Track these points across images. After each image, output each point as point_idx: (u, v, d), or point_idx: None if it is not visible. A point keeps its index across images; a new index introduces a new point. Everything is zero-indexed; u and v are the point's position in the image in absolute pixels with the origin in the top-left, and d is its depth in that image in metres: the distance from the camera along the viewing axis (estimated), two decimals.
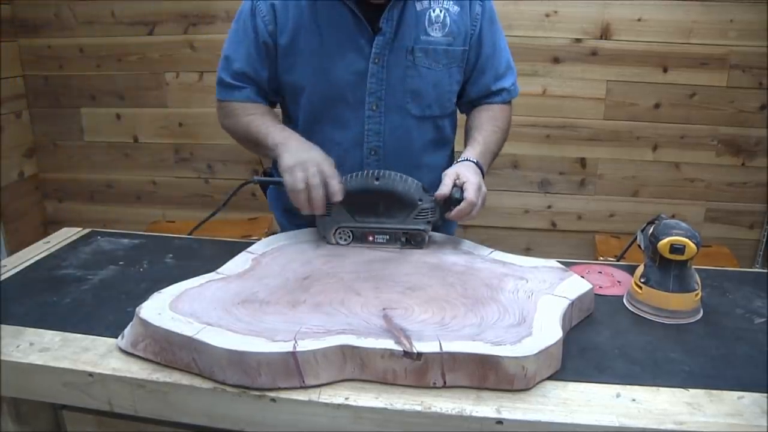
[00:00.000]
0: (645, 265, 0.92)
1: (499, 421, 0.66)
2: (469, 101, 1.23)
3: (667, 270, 0.88)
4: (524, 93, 2.35)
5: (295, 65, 1.12)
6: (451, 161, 1.29)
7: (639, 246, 0.99)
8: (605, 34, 2.29)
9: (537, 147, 2.44)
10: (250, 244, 1.06)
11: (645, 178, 2.43)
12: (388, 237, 1.04)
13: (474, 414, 0.67)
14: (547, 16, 2.29)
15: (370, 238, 1.04)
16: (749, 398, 0.69)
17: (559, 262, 0.99)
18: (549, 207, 2.52)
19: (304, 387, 0.70)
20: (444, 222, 1.07)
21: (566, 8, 2.27)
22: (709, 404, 0.68)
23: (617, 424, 0.66)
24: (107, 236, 1.19)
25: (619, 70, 2.32)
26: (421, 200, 1.02)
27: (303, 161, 0.99)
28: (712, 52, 2.25)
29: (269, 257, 0.99)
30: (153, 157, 2.60)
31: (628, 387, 0.72)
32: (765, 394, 0.70)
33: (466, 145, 1.17)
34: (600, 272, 1.05)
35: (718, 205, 2.44)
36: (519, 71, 2.49)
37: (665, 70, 2.30)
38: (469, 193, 0.99)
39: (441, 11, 1.11)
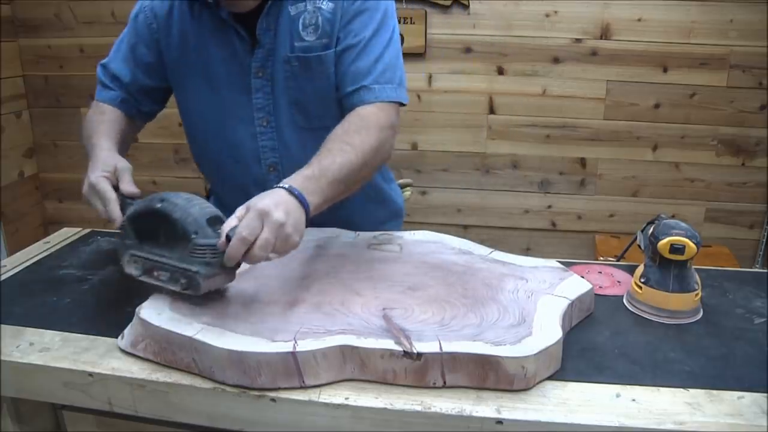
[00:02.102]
0: (645, 265, 0.92)
1: (499, 421, 0.66)
2: (342, 109, 1.04)
3: (667, 270, 0.88)
4: (524, 93, 2.38)
5: (184, 84, 1.09)
6: (368, 186, 1.12)
7: (639, 246, 0.99)
8: (605, 34, 2.29)
9: (537, 147, 2.44)
10: None
11: (645, 178, 2.44)
12: (169, 274, 0.80)
13: (474, 414, 0.67)
14: (547, 16, 2.29)
15: (155, 273, 0.82)
16: (749, 398, 0.69)
17: (559, 262, 0.99)
18: (549, 207, 2.52)
19: (304, 387, 0.70)
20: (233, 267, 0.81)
21: (566, 8, 2.27)
22: (709, 404, 0.68)
23: (617, 424, 0.66)
24: (107, 236, 1.19)
25: (619, 70, 2.32)
26: (196, 234, 0.77)
27: (88, 186, 0.90)
28: (712, 52, 2.26)
29: None
30: (153, 157, 2.60)
31: (628, 387, 0.72)
32: (765, 394, 0.70)
33: None
34: (600, 272, 1.05)
35: (718, 205, 2.44)
36: (519, 71, 2.48)
37: (665, 70, 2.30)
38: (239, 227, 0.74)
39: (314, 12, 1.01)
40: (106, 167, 0.92)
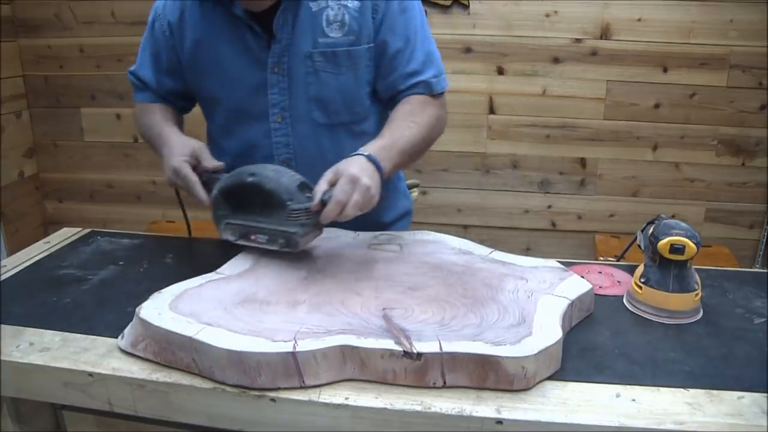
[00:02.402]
0: (645, 265, 0.92)
1: (499, 421, 0.66)
2: (384, 100, 1.13)
3: (667, 270, 0.88)
4: (524, 93, 2.38)
5: (199, 82, 1.11)
6: (393, 179, 1.22)
7: (639, 246, 0.99)
8: (605, 34, 2.29)
9: (537, 147, 2.44)
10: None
11: (645, 178, 2.43)
12: (267, 237, 0.95)
13: (474, 414, 0.67)
14: (547, 16, 2.29)
15: (252, 237, 0.96)
16: (749, 398, 0.69)
17: (559, 262, 0.99)
18: (549, 207, 2.52)
19: (304, 387, 0.70)
20: (376, 213, 0.95)
21: (566, 8, 2.27)
22: (709, 404, 0.68)
23: (617, 424, 0.66)
24: (107, 236, 1.19)
25: (619, 70, 2.32)
26: (291, 201, 0.91)
27: (168, 180, 1.00)
28: (712, 52, 2.26)
29: (269, 257, 0.99)
30: (153, 157, 2.59)
31: (628, 387, 0.72)
32: (765, 394, 0.70)
33: None
34: (600, 272, 1.05)
35: (718, 205, 2.44)
36: (519, 71, 2.49)
37: (665, 70, 2.30)
38: (336, 190, 0.87)
39: (339, 9, 1.02)
40: (183, 151, 0.99)
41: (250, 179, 0.93)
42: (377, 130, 1.08)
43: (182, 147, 1.00)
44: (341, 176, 0.88)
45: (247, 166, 0.96)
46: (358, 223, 1.04)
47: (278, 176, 0.93)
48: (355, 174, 0.88)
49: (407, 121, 1.04)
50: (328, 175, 0.90)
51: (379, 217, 1.22)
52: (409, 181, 1.41)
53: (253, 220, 0.95)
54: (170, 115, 1.15)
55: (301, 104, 1.07)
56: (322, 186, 0.89)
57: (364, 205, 0.88)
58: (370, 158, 0.93)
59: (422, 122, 1.05)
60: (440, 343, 0.70)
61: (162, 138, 1.05)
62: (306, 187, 0.93)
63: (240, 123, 1.10)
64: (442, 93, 1.12)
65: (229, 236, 0.98)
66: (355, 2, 1.03)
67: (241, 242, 0.97)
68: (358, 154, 0.94)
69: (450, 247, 1.04)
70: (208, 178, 0.99)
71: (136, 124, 1.20)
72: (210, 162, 1.00)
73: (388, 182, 1.09)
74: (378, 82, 1.10)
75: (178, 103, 1.19)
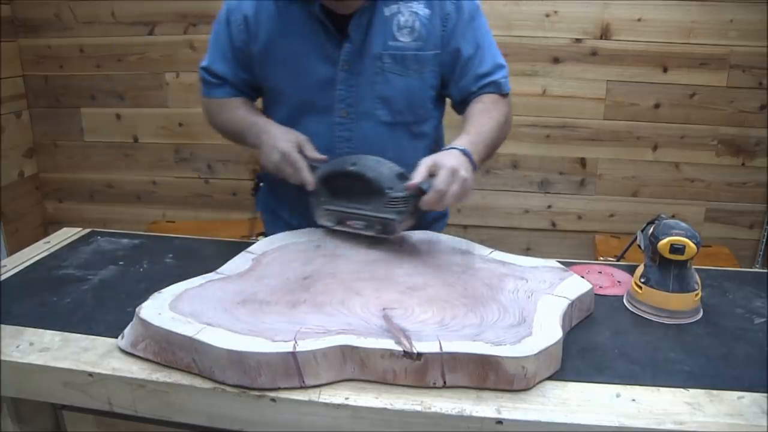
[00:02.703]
0: (645, 265, 0.92)
1: (499, 421, 0.67)
2: (456, 102, 1.20)
3: (667, 270, 0.88)
4: (524, 93, 2.38)
5: (268, 73, 1.14)
6: None
7: (639, 246, 0.99)
8: (605, 34, 2.29)
9: (537, 147, 2.44)
10: (250, 244, 1.06)
11: (645, 178, 2.43)
12: (365, 223, 1.02)
13: (474, 414, 0.67)
14: (547, 16, 2.29)
15: (349, 223, 1.03)
16: (749, 398, 0.69)
17: (559, 262, 0.99)
18: (549, 207, 2.52)
19: (304, 387, 0.70)
20: (421, 212, 1.01)
21: (566, 8, 2.27)
22: (709, 404, 0.68)
23: (617, 424, 0.66)
24: (107, 236, 1.19)
25: (619, 70, 2.32)
26: (391, 188, 0.98)
27: (274, 164, 1.04)
28: (712, 52, 2.25)
29: (269, 257, 0.99)
30: (153, 157, 2.60)
31: (628, 387, 0.72)
32: (765, 394, 0.70)
33: None
34: (600, 272, 1.05)
35: (718, 205, 2.44)
36: (519, 71, 2.48)
37: (665, 70, 2.30)
38: (437, 180, 0.93)
39: (410, 15, 1.09)
40: (289, 137, 1.06)
41: (351, 167, 1.00)
42: (435, 133, 1.22)
43: (286, 134, 1.07)
44: (441, 167, 0.94)
45: (348, 156, 1.04)
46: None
47: (379, 166, 1.00)
48: (455, 166, 0.94)
49: (485, 117, 1.12)
50: (426, 163, 0.96)
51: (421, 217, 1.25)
52: None
53: (352, 207, 1.02)
54: (254, 107, 1.20)
55: (366, 102, 1.12)
56: (421, 174, 0.95)
57: (462, 195, 0.94)
58: (465, 152, 1.01)
59: (497, 118, 1.13)
60: (440, 343, 0.70)
61: (258, 126, 1.10)
62: (404, 177, 0.99)
63: (304, 116, 1.14)
64: (508, 93, 1.19)
65: (326, 222, 1.05)
66: (426, 11, 1.10)
67: (338, 228, 1.04)
68: (453, 148, 1.02)
69: (450, 247, 1.04)
70: (309, 166, 1.05)
71: (213, 119, 1.22)
72: (312, 153, 1.06)
73: None
74: (451, 86, 1.17)
75: (252, 94, 1.22)
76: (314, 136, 1.12)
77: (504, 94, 1.17)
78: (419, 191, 0.95)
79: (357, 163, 1.01)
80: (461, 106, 1.18)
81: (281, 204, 1.25)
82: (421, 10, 1.09)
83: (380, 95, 1.11)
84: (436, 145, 1.23)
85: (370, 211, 1.01)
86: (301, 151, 1.05)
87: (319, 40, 1.08)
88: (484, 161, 1.11)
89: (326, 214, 1.05)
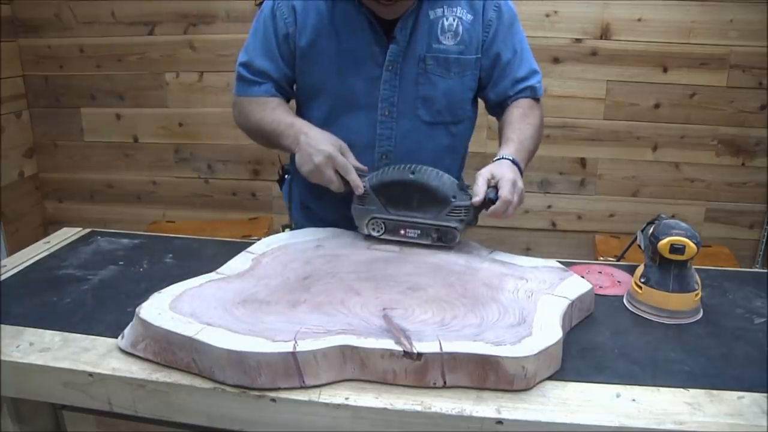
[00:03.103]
0: (645, 265, 0.92)
1: (499, 421, 0.66)
2: (492, 105, 1.24)
3: (667, 270, 0.88)
4: None
5: (312, 67, 1.14)
6: (462, 166, 1.31)
7: (639, 246, 0.99)
8: (605, 34, 2.29)
9: None
10: (250, 244, 1.06)
11: (645, 178, 2.43)
12: (419, 232, 1.03)
13: (474, 414, 0.67)
14: (547, 16, 2.29)
15: (402, 232, 1.04)
16: (749, 398, 0.69)
17: (559, 262, 0.99)
18: (549, 207, 2.52)
19: (304, 387, 0.70)
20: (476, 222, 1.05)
21: (566, 8, 2.27)
22: (709, 404, 0.68)
23: (617, 424, 0.66)
24: (107, 236, 1.19)
25: (619, 70, 2.32)
26: (455, 197, 1.01)
27: (315, 166, 1.01)
28: (712, 52, 2.25)
29: (269, 257, 0.99)
30: (153, 157, 2.60)
31: (628, 387, 0.72)
32: (765, 394, 0.70)
33: (500, 145, 1.15)
34: (600, 272, 1.05)
35: (718, 205, 2.44)
36: None
37: (665, 70, 2.30)
38: (504, 191, 0.98)
39: (454, 20, 1.12)
40: (332, 141, 1.05)
41: (412, 176, 1.01)
42: (470, 132, 1.27)
43: (329, 138, 1.06)
44: (502, 179, 0.99)
45: (401, 165, 1.03)
46: None
47: (439, 176, 1.02)
48: (514, 178, 1.00)
49: (525, 124, 1.17)
50: (485, 176, 1.02)
51: None
52: None
53: (407, 216, 1.03)
54: (290, 109, 1.18)
55: (408, 101, 1.14)
56: (483, 186, 1.00)
57: (520, 204, 1.01)
58: (515, 163, 1.07)
59: (536, 123, 1.19)
60: (440, 343, 0.70)
61: (296, 128, 1.08)
62: (463, 187, 1.03)
63: (346, 113, 1.15)
64: (541, 97, 1.25)
65: (372, 231, 1.05)
66: (469, 16, 1.13)
67: (385, 237, 1.04)
68: (505, 159, 1.07)
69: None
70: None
71: (246, 119, 1.18)
72: (353, 160, 1.06)
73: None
74: (489, 89, 1.20)
75: (290, 92, 1.21)
76: (355, 133, 1.14)
77: (538, 99, 1.23)
78: (485, 201, 0.99)
79: (416, 172, 1.02)
80: (497, 109, 1.24)
81: (312, 196, 1.25)
82: (465, 15, 1.12)
83: (422, 95, 1.14)
84: (462, 149, 1.28)
85: (430, 219, 1.02)
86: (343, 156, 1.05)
87: (366, 39, 1.10)
88: (527, 166, 1.16)
89: (374, 222, 1.05)
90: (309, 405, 0.69)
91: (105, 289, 0.96)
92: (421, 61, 1.12)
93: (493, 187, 1.00)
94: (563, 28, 2.30)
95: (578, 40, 2.30)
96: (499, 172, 1.01)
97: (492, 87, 1.20)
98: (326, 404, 0.69)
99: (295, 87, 1.22)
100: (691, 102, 2.32)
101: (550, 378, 0.73)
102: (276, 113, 1.14)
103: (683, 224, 0.88)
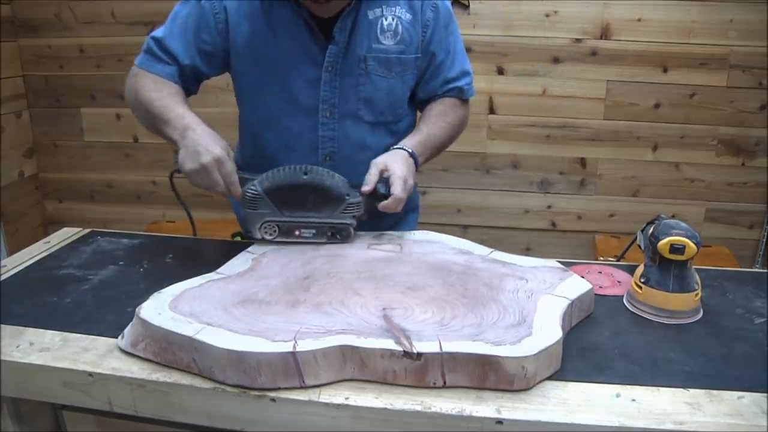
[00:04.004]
0: (645, 265, 0.92)
1: (499, 421, 0.67)
2: (419, 102, 1.25)
3: (667, 270, 0.88)
4: (524, 93, 2.38)
5: (249, 68, 1.13)
6: None
7: (639, 246, 0.99)
8: (605, 34, 2.29)
9: (537, 147, 2.44)
10: (250, 244, 1.06)
11: (645, 178, 2.43)
12: (314, 231, 1.04)
13: (474, 414, 0.67)
14: (547, 16, 2.29)
15: (297, 232, 1.04)
16: (749, 398, 0.69)
17: (559, 262, 0.99)
18: (549, 207, 2.52)
19: (304, 387, 0.70)
20: (369, 216, 1.06)
21: (566, 8, 2.27)
22: (709, 404, 0.68)
23: (617, 424, 0.66)
24: (107, 236, 1.19)
25: (619, 70, 2.32)
26: (348, 195, 1.03)
27: (201, 166, 0.95)
28: (712, 52, 2.25)
29: (269, 257, 0.99)
30: (153, 157, 2.61)
31: (628, 387, 0.72)
32: (765, 394, 0.70)
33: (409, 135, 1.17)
34: (600, 272, 1.05)
35: (718, 205, 2.44)
36: (519, 71, 2.49)
37: (665, 70, 2.30)
38: (396, 189, 1.00)
39: (393, 19, 1.11)
40: (223, 146, 0.99)
41: (305, 177, 1.01)
42: (410, 130, 1.24)
43: (218, 139, 1.00)
44: (394, 174, 1.02)
45: (294, 166, 1.02)
46: (380, 215, 1.12)
47: (332, 175, 1.03)
48: (406, 176, 1.04)
49: (441, 121, 1.20)
50: (378, 166, 1.04)
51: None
52: None
53: (302, 216, 1.03)
54: (187, 102, 1.11)
55: (350, 102, 1.14)
56: (375, 176, 1.03)
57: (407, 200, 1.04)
58: (413, 155, 1.10)
59: (452, 122, 1.22)
60: (440, 343, 0.70)
61: (185, 121, 1.01)
62: (353, 185, 1.05)
63: (287, 115, 1.14)
64: (469, 98, 1.27)
65: (265, 235, 1.04)
66: (408, 15, 1.13)
67: (279, 239, 1.04)
68: (403, 149, 1.10)
69: (450, 247, 1.04)
70: (238, 174, 1.02)
71: (138, 93, 1.09)
72: (233, 167, 1.01)
73: None
74: (420, 87, 1.21)
75: (193, 86, 1.18)
76: (298, 135, 1.14)
77: (466, 99, 1.25)
78: (377, 194, 1.03)
79: (309, 173, 1.02)
80: (422, 104, 1.25)
81: None
82: (404, 14, 1.12)
83: (364, 96, 1.14)
84: None
85: (323, 218, 1.04)
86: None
87: (304, 41, 1.09)
88: (428, 161, 1.20)
89: (267, 225, 1.03)
90: (309, 405, 0.69)
91: (105, 289, 0.96)
92: (362, 62, 1.11)
93: (385, 180, 1.03)
94: (563, 28, 2.30)
95: (578, 40, 2.30)
96: (393, 166, 1.04)
97: (423, 85, 1.21)
98: (326, 404, 0.69)
99: (236, 87, 1.20)
100: (691, 102, 2.32)
101: (550, 378, 0.73)
102: (170, 99, 1.06)
103: (683, 224, 0.88)
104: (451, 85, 1.21)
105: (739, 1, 2.18)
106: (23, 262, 1.06)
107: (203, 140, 0.97)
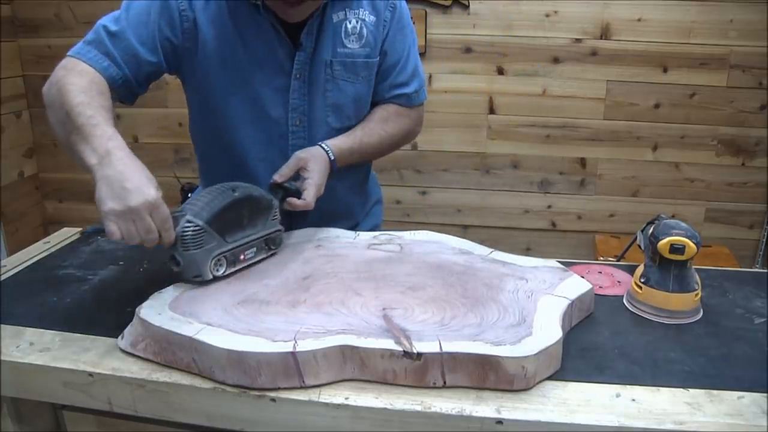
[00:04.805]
0: (645, 265, 0.92)
1: (499, 421, 0.66)
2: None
3: (667, 270, 0.88)
4: (524, 93, 2.38)
5: (218, 78, 1.07)
6: (371, 165, 1.31)
7: (639, 246, 0.99)
8: (605, 34, 2.29)
9: (537, 147, 2.44)
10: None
11: (645, 178, 2.44)
12: (255, 249, 0.94)
13: (474, 414, 0.67)
14: (547, 16, 2.29)
15: (241, 257, 0.92)
16: (749, 398, 0.69)
17: (559, 262, 0.99)
18: (549, 207, 2.52)
19: (304, 387, 0.70)
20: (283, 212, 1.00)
21: (566, 8, 2.27)
22: (709, 404, 0.68)
23: (617, 424, 0.66)
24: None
25: (619, 70, 2.32)
26: (273, 200, 0.98)
27: (128, 208, 0.77)
28: (712, 52, 2.26)
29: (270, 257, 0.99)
30: (153, 157, 2.60)
31: (628, 387, 0.72)
32: (765, 394, 0.70)
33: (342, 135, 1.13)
34: (600, 272, 1.05)
35: (718, 205, 2.44)
36: (519, 71, 2.49)
37: (665, 70, 2.30)
38: (309, 197, 1.00)
39: (357, 22, 1.08)
40: (156, 186, 0.82)
41: (236, 194, 0.90)
42: None
43: (150, 176, 0.82)
44: (310, 179, 1.01)
45: (220, 187, 0.90)
46: (337, 213, 1.12)
47: (249, 185, 0.95)
48: (320, 184, 1.03)
49: (379, 129, 1.16)
50: (300, 163, 1.03)
51: (359, 206, 1.29)
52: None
53: (242, 237, 0.92)
54: (113, 120, 0.89)
55: (318, 109, 1.11)
56: (291, 172, 1.01)
57: None
58: (332, 161, 1.07)
59: (392, 132, 1.18)
60: (440, 343, 0.70)
61: (111, 144, 0.81)
62: (273, 188, 1.01)
63: (256, 123, 1.10)
64: (419, 105, 1.23)
65: (216, 272, 0.88)
66: (372, 17, 1.10)
67: (228, 272, 0.90)
68: (325, 150, 1.07)
69: (450, 247, 1.04)
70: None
71: (65, 88, 0.88)
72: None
73: (363, 170, 1.26)
74: None
75: (142, 88, 1.04)
76: (267, 144, 1.11)
77: (413, 106, 1.21)
78: (286, 190, 1.00)
79: (237, 189, 0.91)
80: (372, 107, 1.19)
81: None
82: (368, 16, 1.09)
83: (331, 103, 1.11)
84: None
85: (260, 231, 0.95)
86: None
87: (271, 48, 1.05)
88: (351, 166, 1.16)
89: (216, 263, 0.88)
90: (309, 405, 0.69)
91: (105, 289, 0.96)
92: (328, 67, 1.08)
93: (298, 179, 1.02)
94: (563, 28, 2.30)
95: (578, 40, 2.31)
96: (313, 168, 1.03)
97: (373, 87, 1.17)
98: (326, 404, 0.69)
99: (195, 93, 1.12)
100: (691, 102, 2.32)
101: (550, 378, 0.73)
102: (99, 111, 0.85)
103: (683, 224, 0.88)
104: (398, 91, 1.17)
105: (739, 1, 2.18)
106: (23, 262, 1.06)
107: (133, 175, 0.78)
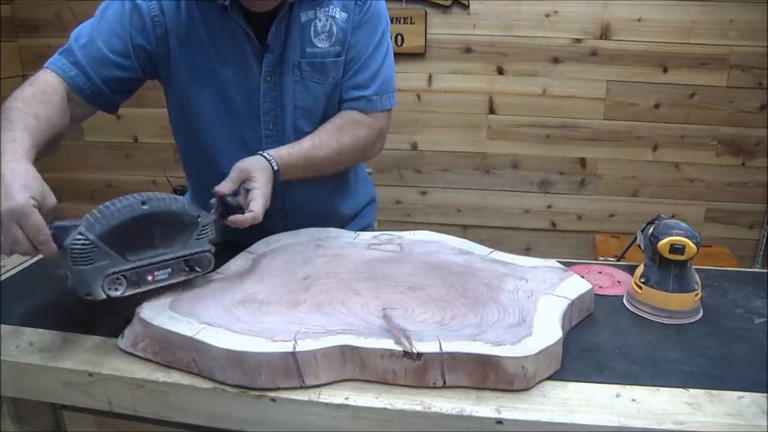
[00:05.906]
0: (645, 265, 0.92)
1: (499, 421, 0.67)
2: None
3: (667, 270, 0.88)
4: (524, 93, 2.38)
5: (186, 85, 1.06)
6: (356, 171, 1.26)
7: (639, 246, 0.99)
8: (605, 34, 2.29)
9: (537, 147, 2.44)
10: (250, 244, 1.06)
11: (645, 178, 2.44)
12: (170, 270, 0.83)
13: (474, 414, 0.67)
14: (547, 16, 2.29)
15: (149, 278, 0.81)
16: (749, 398, 0.69)
17: (559, 262, 0.99)
18: (549, 207, 2.52)
19: (304, 387, 0.70)
20: (226, 228, 0.91)
21: (566, 8, 2.28)
22: (709, 404, 0.68)
23: (617, 424, 0.66)
24: None
25: (619, 70, 2.32)
26: (200, 216, 0.85)
27: (8, 212, 0.69)
28: (712, 52, 2.26)
29: (269, 257, 0.99)
30: (153, 157, 2.61)
31: (628, 387, 0.72)
32: (765, 394, 0.70)
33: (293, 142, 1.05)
34: (600, 272, 1.05)
35: (718, 205, 2.44)
36: (519, 71, 2.48)
37: (665, 70, 2.30)
38: (257, 208, 0.90)
39: (327, 20, 1.04)
40: (35, 187, 0.73)
41: (145, 208, 0.79)
42: None
43: (32, 186, 0.73)
44: (256, 191, 0.92)
45: (127, 198, 0.79)
46: (320, 218, 1.08)
47: (174, 198, 0.83)
48: (267, 197, 0.93)
49: (332, 140, 1.06)
50: (241, 176, 0.93)
51: (346, 209, 1.25)
52: None
53: (152, 256, 0.81)
54: (55, 124, 0.88)
55: (289, 112, 1.08)
56: (233, 186, 0.92)
57: None
58: (275, 171, 0.97)
59: (346, 144, 1.07)
60: (440, 343, 0.70)
61: (7, 147, 0.76)
62: (196, 206, 0.87)
63: (229, 128, 1.08)
64: (384, 110, 1.12)
65: (111, 292, 0.78)
66: (343, 14, 1.05)
67: (129, 293, 0.79)
68: (267, 159, 0.97)
69: (450, 247, 1.04)
70: (51, 227, 0.75)
71: (12, 96, 0.87)
72: (50, 209, 0.77)
73: (351, 172, 1.22)
74: None
75: (104, 99, 1.02)
76: (242, 148, 1.07)
77: (375, 113, 1.11)
78: (228, 206, 0.90)
79: (149, 202, 0.80)
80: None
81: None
82: (338, 13, 1.04)
83: (300, 105, 1.07)
84: None
85: (179, 251, 0.84)
86: (40, 208, 0.73)
87: (240, 50, 1.02)
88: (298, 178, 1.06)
89: (111, 280, 0.78)
90: (309, 405, 0.69)
91: None
92: (296, 68, 1.04)
93: (239, 193, 0.93)
94: (563, 28, 2.30)
95: (578, 40, 2.31)
96: (259, 178, 0.93)
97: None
98: (326, 404, 0.69)
99: (170, 98, 1.12)
100: (691, 102, 2.32)
101: (550, 378, 0.73)
102: (24, 118, 0.83)
103: (683, 224, 0.88)
104: (356, 93, 1.08)
105: (739, 1, 2.19)
106: (23, 262, 1.06)
107: (9, 179, 0.71)
